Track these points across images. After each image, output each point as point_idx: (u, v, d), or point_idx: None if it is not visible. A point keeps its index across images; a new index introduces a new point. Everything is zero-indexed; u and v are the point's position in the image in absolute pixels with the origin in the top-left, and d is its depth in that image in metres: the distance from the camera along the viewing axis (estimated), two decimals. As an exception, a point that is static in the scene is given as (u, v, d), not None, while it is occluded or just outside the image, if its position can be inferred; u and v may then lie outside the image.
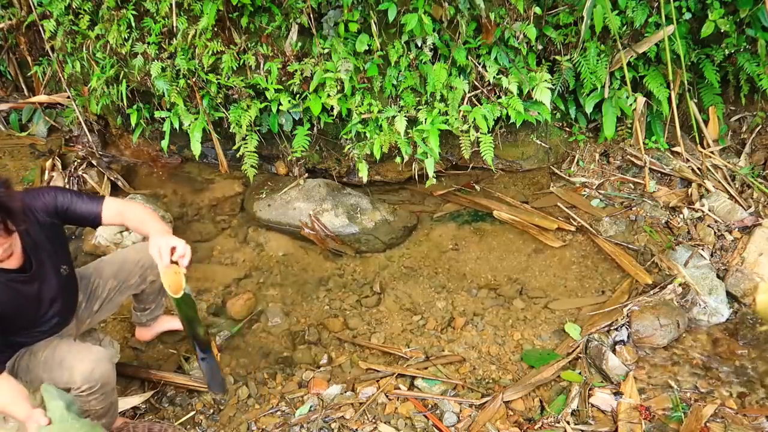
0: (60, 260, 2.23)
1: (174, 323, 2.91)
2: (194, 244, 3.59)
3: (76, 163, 3.93)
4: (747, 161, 3.90)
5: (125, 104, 3.71)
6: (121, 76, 3.62)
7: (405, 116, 3.45)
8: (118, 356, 2.68)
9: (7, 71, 4.46)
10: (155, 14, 3.39)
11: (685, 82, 3.70)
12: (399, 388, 2.72)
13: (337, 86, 3.36)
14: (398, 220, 3.71)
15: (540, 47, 3.67)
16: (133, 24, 3.44)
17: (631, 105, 3.77)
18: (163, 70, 3.43)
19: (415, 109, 3.51)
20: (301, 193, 3.78)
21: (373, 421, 2.56)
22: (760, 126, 4.03)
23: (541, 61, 3.72)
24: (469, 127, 3.55)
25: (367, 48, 3.35)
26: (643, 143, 3.95)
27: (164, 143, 3.73)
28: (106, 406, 2.25)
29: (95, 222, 2.24)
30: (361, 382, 2.78)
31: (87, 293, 2.43)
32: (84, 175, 3.85)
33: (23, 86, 4.50)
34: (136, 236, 3.37)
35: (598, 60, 3.66)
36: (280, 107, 3.47)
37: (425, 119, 3.47)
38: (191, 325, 2.26)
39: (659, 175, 3.89)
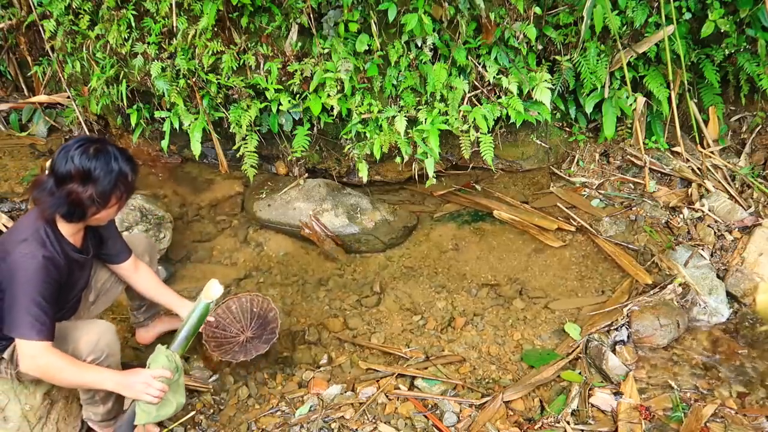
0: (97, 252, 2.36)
1: (174, 324, 2.92)
2: (194, 244, 3.61)
3: (76, 163, 3.92)
4: (747, 161, 3.90)
5: (125, 104, 3.71)
6: (121, 76, 3.62)
7: (405, 116, 3.45)
8: None
9: (7, 71, 4.46)
10: (155, 14, 3.39)
11: (685, 82, 3.70)
12: (399, 388, 2.72)
13: (337, 86, 3.36)
14: (398, 220, 3.71)
15: (540, 47, 3.67)
16: (133, 24, 3.44)
17: (631, 105, 3.77)
18: (163, 70, 3.43)
19: (415, 109, 3.51)
20: (301, 193, 3.78)
21: (373, 421, 2.56)
22: (760, 126, 4.04)
23: (541, 61, 3.72)
24: (469, 127, 3.55)
25: (367, 48, 3.35)
26: (643, 143, 3.95)
27: (164, 143, 3.73)
28: None
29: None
30: (361, 382, 2.78)
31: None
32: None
33: (23, 86, 4.50)
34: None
35: (598, 60, 3.66)
36: (280, 107, 3.47)
37: (425, 119, 3.47)
38: (194, 333, 2.42)
39: (659, 175, 3.89)
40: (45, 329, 1.99)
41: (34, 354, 2.00)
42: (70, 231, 2.12)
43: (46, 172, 2.05)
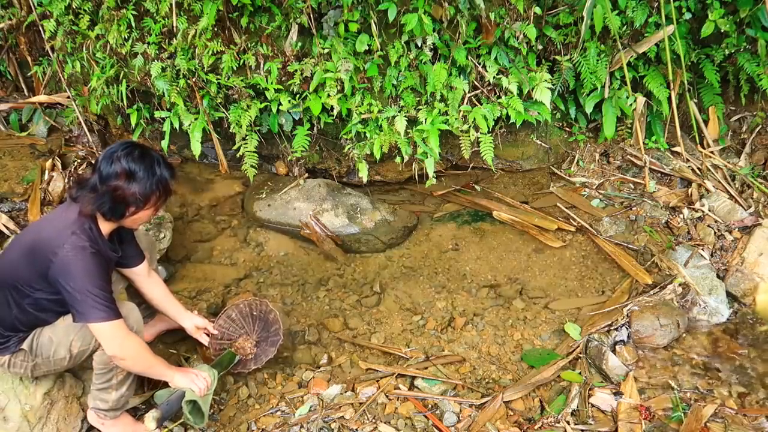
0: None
1: (172, 324, 2.92)
2: (194, 244, 3.61)
3: (76, 163, 3.93)
4: (747, 161, 3.90)
5: (125, 104, 3.71)
6: (121, 76, 3.62)
7: (405, 116, 3.45)
8: None
9: (7, 71, 4.46)
10: (155, 14, 3.39)
11: (685, 82, 3.70)
12: (399, 388, 2.72)
13: (337, 86, 3.36)
14: (398, 220, 3.71)
15: (540, 47, 3.67)
16: (133, 24, 3.44)
17: (631, 105, 3.77)
18: (163, 70, 3.43)
19: (415, 109, 3.51)
20: (301, 193, 3.78)
21: (373, 421, 2.56)
22: (760, 126, 4.04)
23: (541, 61, 3.72)
24: (469, 127, 3.55)
25: (367, 48, 3.35)
26: (643, 143, 3.95)
27: (164, 143, 3.73)
28: None
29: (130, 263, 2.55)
30: (361, 382, 2.78)
31: None
32: (84, 175, 3.85)
33: (23, 86, 4.50)
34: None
35: (598, 60, 3.66)
36: (280, 107, 3.47)
37: (425, 119, 3.47)
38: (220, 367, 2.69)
39: (659, 175, 3.89)
40: (115, 308, 2.12)
41: (116, 335, 2.12)
42: (105, 229, 2.23)
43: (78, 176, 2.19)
